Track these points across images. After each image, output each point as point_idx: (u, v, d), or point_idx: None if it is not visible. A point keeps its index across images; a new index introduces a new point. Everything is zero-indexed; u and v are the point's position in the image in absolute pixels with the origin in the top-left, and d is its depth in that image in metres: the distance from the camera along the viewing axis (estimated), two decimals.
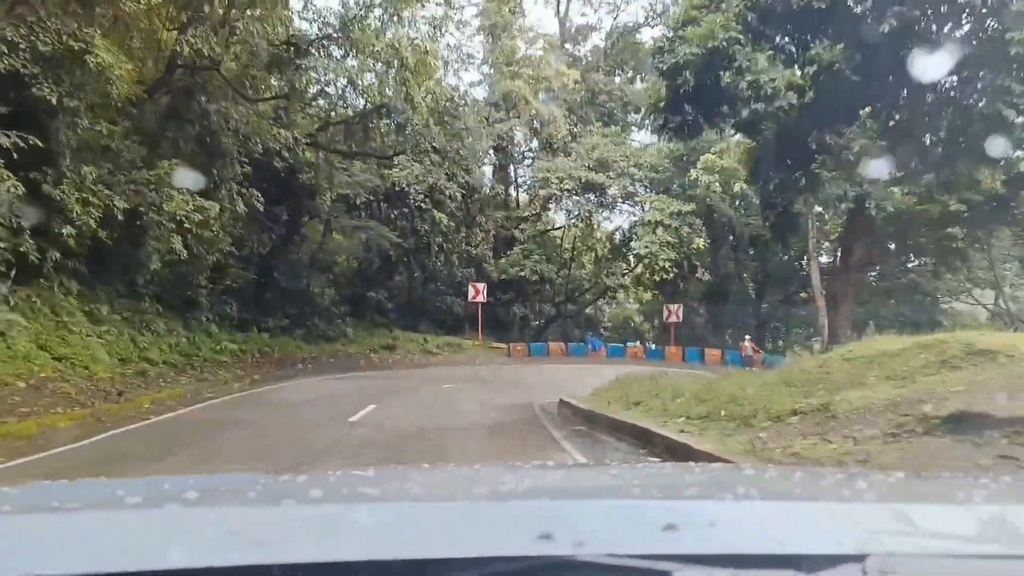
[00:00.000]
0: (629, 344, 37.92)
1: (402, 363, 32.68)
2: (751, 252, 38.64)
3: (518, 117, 35.86)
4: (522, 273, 37.03)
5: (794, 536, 0.97)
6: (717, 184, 31.85)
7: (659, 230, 33.91)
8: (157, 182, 19.22)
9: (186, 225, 19.58)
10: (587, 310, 45.75)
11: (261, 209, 24.15)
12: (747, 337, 34.69)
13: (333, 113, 28.77)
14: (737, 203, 35.50)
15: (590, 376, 21.18)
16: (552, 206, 37.33)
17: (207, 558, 0.85)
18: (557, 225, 42.74)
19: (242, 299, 31.07)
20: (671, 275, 34.78)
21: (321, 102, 27.97)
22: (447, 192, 33.89)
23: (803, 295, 37.92)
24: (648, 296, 48.25)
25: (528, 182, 41.36)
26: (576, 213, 35.70)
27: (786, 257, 36.93)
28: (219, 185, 22.39)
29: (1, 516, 1.18)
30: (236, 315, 29.37)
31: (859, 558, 0.85)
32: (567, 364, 33.85)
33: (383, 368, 30.64)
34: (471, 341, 37.63)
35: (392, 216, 35.60)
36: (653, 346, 37.51)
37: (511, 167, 42.65)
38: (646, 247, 33.88)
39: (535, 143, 41.37)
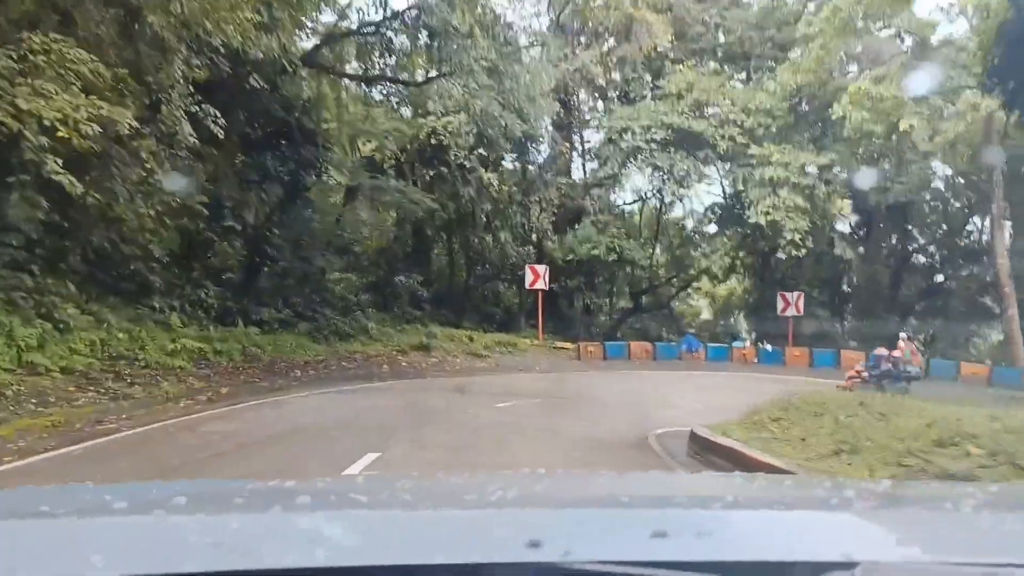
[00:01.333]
0: (736, 344, 29.14)
1: (439, 368, 24.56)
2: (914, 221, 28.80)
3: (591, 44, 27.40)
4: (595, 251, 28.56)
5: (783, 544, 0.98)
6: (872, 123, 22.80)
7: (784, 190, 25.13)
8: (23, 67, 11.41)
9: (75, 142, 11.65)
10: (671, 303, 37.03)
11: (218, 134, 16.11)
12: (904, 336, 25.47)
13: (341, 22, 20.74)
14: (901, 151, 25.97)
15: (712, 392, 17.06)
16: (632, 165, 28.72)
17: (193, 564, 0.84)
18: (632, 195, 34.13)
19: (226, 283, 23.33)
20: (803, 251, 25.86)
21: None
22: (498, 144, 25.60)
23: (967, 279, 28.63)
24: (743, 284, 39.24)
25: (599, 140, 32.83)
26: (665, 171, 26.91)
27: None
28: (153, 95, 14.50)
29: None
30: (215, 304, 21.61)
31: (848, 565, 0.84)
32: (661, 371, 25.34)
33: (414, 375, 22.62)
34: (528, 340, 29.34)
35: (428, 178, 27.52)
36: (769, 347, 28.64)
37: (575, 125, 34.16)
38: (766, 213, 25.09)
39: (610, 93, 32.84)
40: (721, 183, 28.10)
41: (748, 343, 28.59)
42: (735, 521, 1.17)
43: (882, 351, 19.60)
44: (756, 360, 28.55)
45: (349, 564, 0.86)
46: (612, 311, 36.70)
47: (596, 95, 34.35)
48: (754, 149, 26.61)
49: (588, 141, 35.19)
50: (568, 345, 29.78)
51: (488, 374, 23.94)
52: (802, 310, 30.43)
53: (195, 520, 1.19)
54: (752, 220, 25.43)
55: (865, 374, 18.72)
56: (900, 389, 16.97)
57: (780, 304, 30.18)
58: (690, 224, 33.24)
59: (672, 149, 27.57)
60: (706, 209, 27.51)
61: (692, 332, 31.24)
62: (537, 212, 30.42)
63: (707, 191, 28.98)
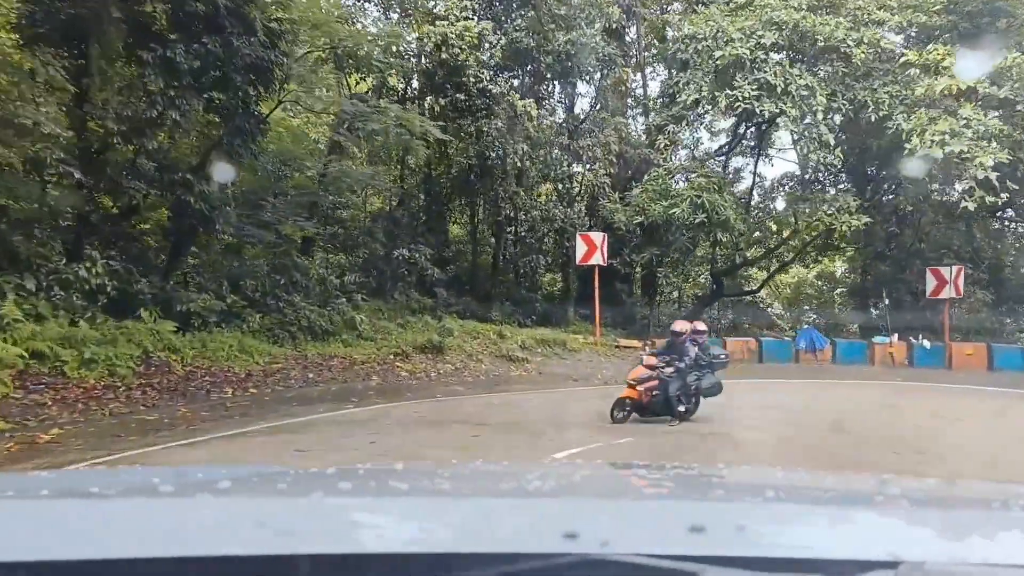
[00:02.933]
0: (877, 340, 20.64)
1: (456, 379, 16.74)
2: None
3: None
4: (674, 210, 20.26)
5: (823, 540, 0.96)
6: None
7: (968, 107, 16.68)
8: None
9: None
10: (761, 286, 28.51)
11: None
12: None
13: None
14: None
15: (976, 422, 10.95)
16: (718, 96, 20.14)
17: (236, 547, 0.85)
18: (718, 135, 25.55)
19: (137, 257, 15.71)
20: (1001, 198, 17.18)
21: None
22: (534, 61, 17.48)
23: None
24: (840, 263, 30.65)
25: (664, 69, 24.50)
26: (779, 90, 18.21)
27: None
28: None
29: (39, 500, 1.20)
30: (108, 285, 13.98)
31: (891, 564, 0.81)
32: (801, 380, 17.19)
33: (417, 392, 15.02)
34: (580, 336, 21.25)
35: (439, 108, 19.47)
36: (927, 343, 20.13)
37: (635, 49, 25.78)
38: (938, 140, 16.61)
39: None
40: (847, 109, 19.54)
41: (893, 338, 20.20)
42: (775, 516, 1.13)
43: None
44: (908, 361, 20.10)
45: (390, 551, 0.86)
46: (682, 298, 28.39)
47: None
48: (911, 55, 18.20)
49: (654, 70, 26.81)
50: (636, 343, 21.62)
51: (528, 388, 15.95)
52: (962, 290, 21.91)
53: (240, 503, 1.20)
54: (916, 153, 16.95)
55: None
56: None
57: (931, 283, 21.68)
58: (797, 172, 24.64)
59: (786, 61, 19.19)
60: (825, 147, 18.88)
61: (809, 324, 22.73)
62: (591, 160, 22.23)
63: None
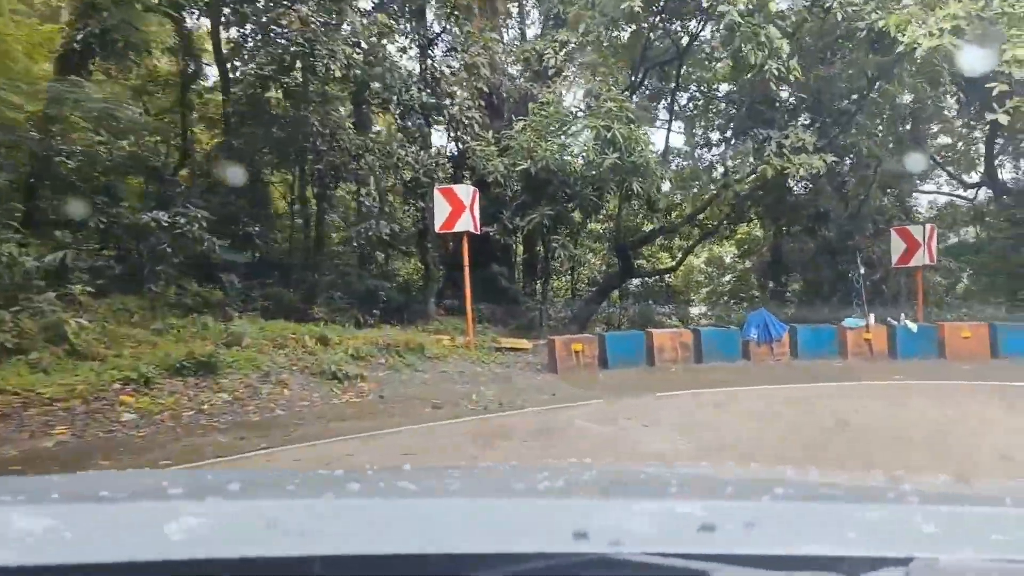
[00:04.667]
0: (849, 324, 15.27)
1: (228, 418, 9.76)
2: None
3: None
4: (572, 150, 14.15)
5: (834, 538, 0.94)
6: None
7: None
8: None
9: None
10: (678, 265, 22.90)
11: None
12: None
13: None
14: None
15: None
16: None
17: (247, 548, 0.85)
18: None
19: None
20: None
21: None
22: None
23: None
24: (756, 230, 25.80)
25: None
26: None
27: None
28: None
29: (50, 504, 1.19)
30: None
31: (903, 562, 0.81)
32: (764, 386, 11.37)
33: (132, 451, 7.63)
34: (446, 337, 14.67)
35: None
36: (912, 324, 14.98)
37: None
38: (949, 27, 11.31)
39: None
40: None
41: (868, 320, 15.00)
42: (785, 514, 1.12)
43: None
44: (889, 350, 14.90)
45: (401, 551, 0.85)
46: (577, 280, 22.37)
47: None
48: None
49: None
50: (524, 344, 15.27)
51: (355, 430, 9.17)
52: (935, 255, 17.07)
53: (251, 505, 1.20)
54: (913, 50, 11.52)
55: None
56: None
57: (898, 247, 16.70)
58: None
59: None
60: (776, 56, 13.16)
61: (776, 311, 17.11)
62: (454, 88, 15.68)
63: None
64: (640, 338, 14.52)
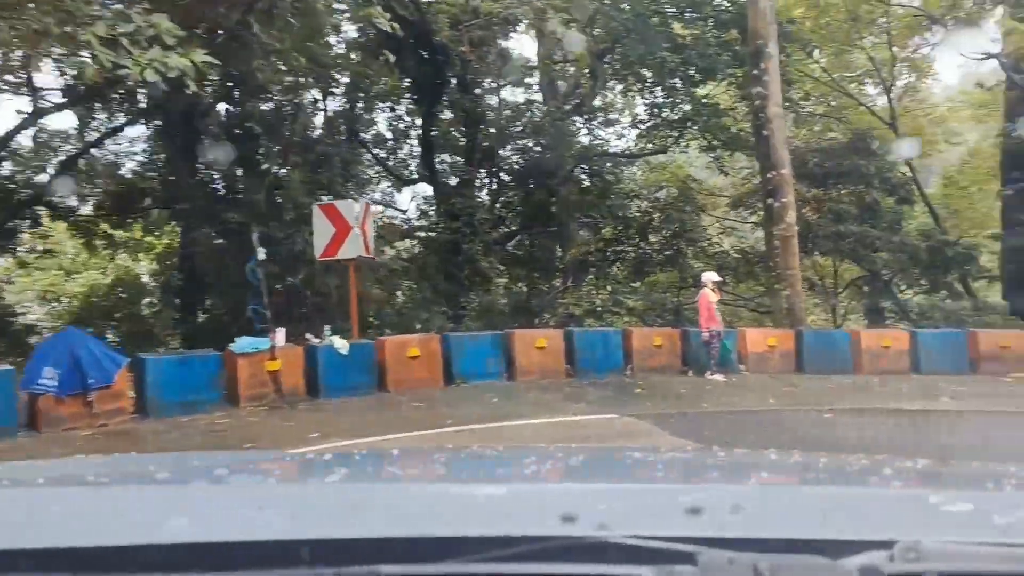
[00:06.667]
0: (243, 347, 9.26)
1: None
2: None
3: None
4: None
5: (819, 520, 0.94)
6: None
7: None
8: None
9: None
10: None
11: None
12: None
13: None
14: None
15: None
16: None
17: (235, 532, 0.84)
18: None
19: None
20: None
21: None
22: None
23: None
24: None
25: None
26: None
27: None
28: None
29: (37, 488, 1.18)
30: None
31: (887, 544, 0.80)
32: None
33: None
34: None
35: None
36: (342, 344, 9.81)
37: None
38: None
39: None
40: None
41: (280, 339, 9.03)
42: (770, 497, 1.13)
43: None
44: (307, 385, 9.46)
45: (388, 534, 0.84)
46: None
47: None
48: None
49: None
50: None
51: None
52: (371, 247, 12.43)
53: (239, 488, 1.18)
54: None
55: None
56: None
57: (324, 233, 11.59)
58: None
59: None
60: None
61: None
62: None
63: None
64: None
